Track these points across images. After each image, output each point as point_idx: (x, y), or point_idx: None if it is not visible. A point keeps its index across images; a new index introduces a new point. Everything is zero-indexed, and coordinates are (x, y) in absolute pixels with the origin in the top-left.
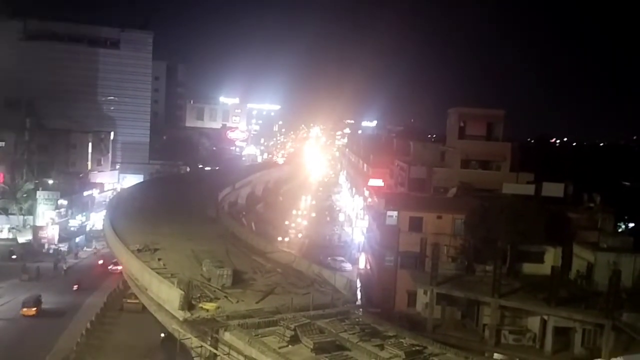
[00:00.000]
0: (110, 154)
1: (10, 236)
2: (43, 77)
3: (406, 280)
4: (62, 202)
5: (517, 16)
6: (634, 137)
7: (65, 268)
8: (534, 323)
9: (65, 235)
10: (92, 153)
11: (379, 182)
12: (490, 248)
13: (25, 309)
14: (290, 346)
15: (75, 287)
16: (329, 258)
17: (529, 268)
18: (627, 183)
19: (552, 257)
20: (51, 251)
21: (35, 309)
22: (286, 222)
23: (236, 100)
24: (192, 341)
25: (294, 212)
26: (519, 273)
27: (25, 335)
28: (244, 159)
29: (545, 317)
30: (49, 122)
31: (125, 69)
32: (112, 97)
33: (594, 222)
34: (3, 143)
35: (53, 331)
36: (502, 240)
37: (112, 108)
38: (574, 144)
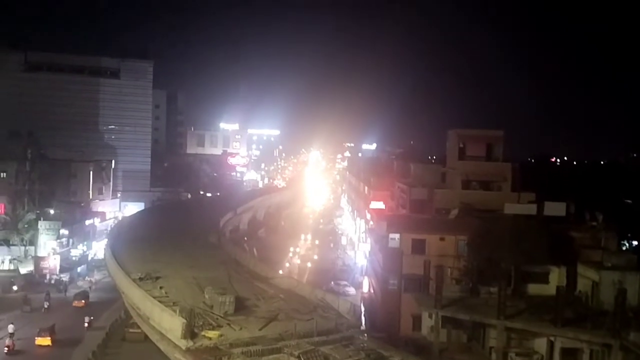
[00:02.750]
0: (111, 183)
1: (12, 267)
2: (44, 108)
3: (410, 304)
4: (64, 231)
5: (515, 38)
6: (634, 155)
7: (46, 307)
8: (540, 345)
9: (67, 265)
10: (93, 182)
11: (380, 205)
12: (494, 269)
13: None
14: None
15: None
16: (332, 282)
17: (533, 289)
18: (629, 201)
19: (556, 277)
20: (53, 281)
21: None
22: (288, 248)
23: (236, 126)
24: None
25: (292, 249)
26: (524, 294)
27: None
28: (245, 184)
29: (552, 339)
30: (50, 152)
31: (126, 98)
32: (112, 126)
33: (597, 241)
34: (4, 173)
35: None
36: (505, 261)
37: (113, 137)
38: (574, 162)
